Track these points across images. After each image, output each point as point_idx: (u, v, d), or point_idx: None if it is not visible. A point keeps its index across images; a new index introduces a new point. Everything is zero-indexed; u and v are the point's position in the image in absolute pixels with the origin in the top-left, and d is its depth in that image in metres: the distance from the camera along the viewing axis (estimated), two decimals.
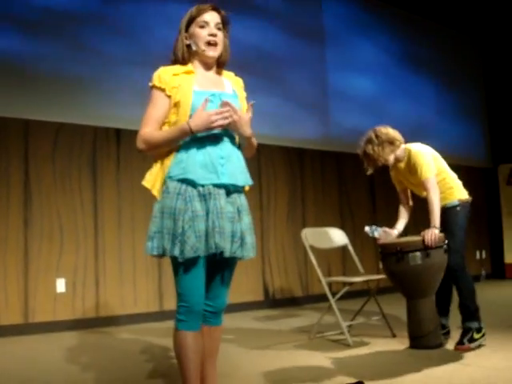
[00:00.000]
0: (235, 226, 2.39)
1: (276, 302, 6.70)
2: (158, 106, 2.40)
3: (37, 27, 5.50)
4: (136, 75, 5.87)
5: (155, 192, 2.40)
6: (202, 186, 2.33)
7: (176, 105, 2.37)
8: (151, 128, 2.38)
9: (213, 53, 2.44)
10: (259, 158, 6.81)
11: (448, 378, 3.12)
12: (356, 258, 4.76)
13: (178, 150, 2.37)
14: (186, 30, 2.46)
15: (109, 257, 5.63)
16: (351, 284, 4.38)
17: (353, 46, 8.16)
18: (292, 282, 6.91)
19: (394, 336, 4.32)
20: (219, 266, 2.42)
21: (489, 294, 7.13)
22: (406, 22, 9.00)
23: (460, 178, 4.15)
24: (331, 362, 3.55)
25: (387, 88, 8.48)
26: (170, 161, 2.37)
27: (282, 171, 7.06)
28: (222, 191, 2.37)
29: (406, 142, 4.12)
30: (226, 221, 2.34)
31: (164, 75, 2.40)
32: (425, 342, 3.77)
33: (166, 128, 2.39)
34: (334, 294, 4.39)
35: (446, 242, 3.76)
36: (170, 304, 5.88)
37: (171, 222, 2.30)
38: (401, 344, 3.99)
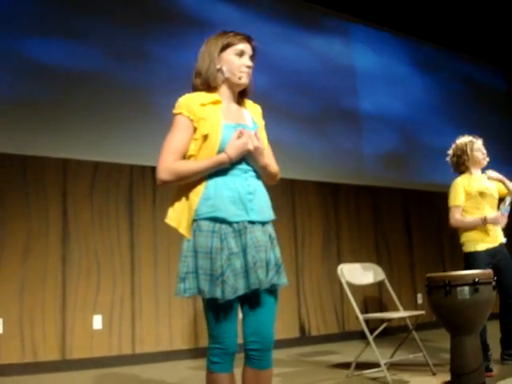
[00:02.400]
0: (269, 254, 2.27)
1: (312, 339, 6.61)
2: (184, 136, 2.30)
3: (71, 66, 5.66)
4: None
5: (182, 230, 2.30)
6: (237, 222, 2.24)
7: (204, 138, 2.27)
8: (174, 158, 2.27)
9: (245, 80, 2.37)
10: (293, 193, 6.82)
11: None
12: (393, 294, 4.70)
13: (205, 185, 2.27)
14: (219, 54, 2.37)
15: (145, 294, 5.66)
16: (389, 321, 4.31)
17: (385, 80, 8.18)
18: (328, 318, 6.82)
19: (434, 374, 4.22)
20: (260, 297, 2.27)
21: None
22: (434, 54, 9.00)
23: None
24: None
25: (421, 122, 8.45)
26: (197, 197, 2.26)
27: (317, 207, 7.04)
28: (257, 224, 2.29)
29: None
30: (263, 252, 2.25)
31: (192, 104, 2.30)
32: (468, 379, 3.66)
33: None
34: (371, 331, 4.32)
35: (495, 278, 3.71)
36: (205, 341, 5.85)
37: (207, 261, 2.19)
38: (442, 382, 3.89)
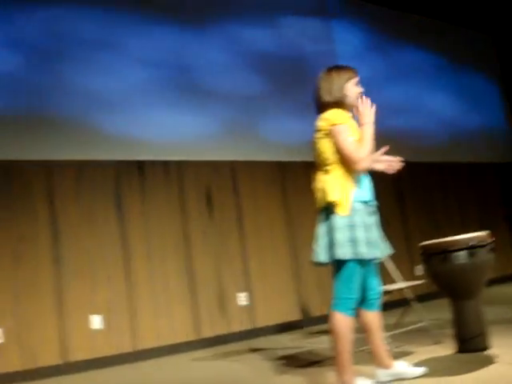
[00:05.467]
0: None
1: (313, 319, 6.55)
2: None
3: (51, 62, 5.56)
4: (152, 104, 5.92)
5: (341, 208, 3.00)
6: (371, 204, 3.14)
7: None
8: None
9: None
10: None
11: (497, 380, 3.01)
12: (392, 266, 4.63)
13: (355, 177, 3.09)
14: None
15: (141, 289, 5.59)
16: (390, 292, 4.27)
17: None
18: (328, 297, 6.73)
19: (438, 343, 4.18)
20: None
21: None
22: (420, 25, 8.92)
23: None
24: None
25: (407, 93, 8.36)
26: (352, 184, 3.07)
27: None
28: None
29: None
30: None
31: (347, 117, 3.16)
32: (472, 344, 3.64)
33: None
34: None
35: (492, 239, 3.69)
36: (207, 331, 5.82)
37: (363, 232, 2.99)
38: (446, 350, 3.85)
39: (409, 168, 7.91)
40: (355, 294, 3.06)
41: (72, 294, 5.25)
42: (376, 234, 3.09)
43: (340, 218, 3.00)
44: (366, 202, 3.10)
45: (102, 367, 5.17)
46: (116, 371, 5.02)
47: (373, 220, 3.11)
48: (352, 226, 2.98)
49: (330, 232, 3.02)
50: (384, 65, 8.28)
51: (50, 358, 5.05)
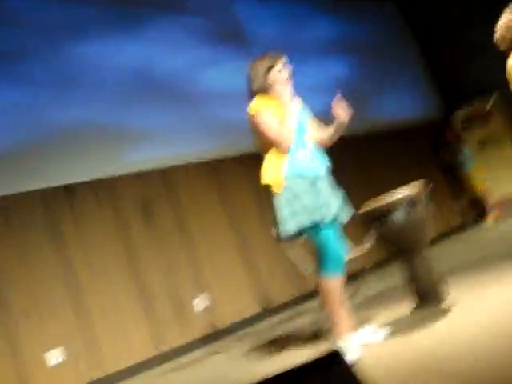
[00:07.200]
0: None
1: (276, 309, 6.42)
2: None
3: None
4: None
5: (275, 187, 3.19)
6: (311, 174, 3.27)
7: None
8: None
9: None
10: None
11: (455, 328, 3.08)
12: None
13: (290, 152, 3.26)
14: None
15: (93, 315, 5.34)
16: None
17: None
18: (286, 283, 6.63)
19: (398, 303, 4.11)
20: None
21: None
22: None
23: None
24: None
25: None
26: (284, 161, 3.25)
27: None
28: None
29: None
30: None
31: None
32: (428, 299, 3.60)
33: None
34: None
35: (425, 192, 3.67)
36: (169, 344, 5.61)
37: (302, 202, 3.17)
38: (405, 310, 3.79)
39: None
40: (334, 255, 3.17)
41: (24, 336, 4.91)
42: (322, 198, 3.17)
43: (277, 196, 3.16)
44: (303, 174, 3.18)
45: None
46: None
47: (316, 188, 3.19)
48: (289, 201, 3.12)
49: (275, 212, 3.18)
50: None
51: None
